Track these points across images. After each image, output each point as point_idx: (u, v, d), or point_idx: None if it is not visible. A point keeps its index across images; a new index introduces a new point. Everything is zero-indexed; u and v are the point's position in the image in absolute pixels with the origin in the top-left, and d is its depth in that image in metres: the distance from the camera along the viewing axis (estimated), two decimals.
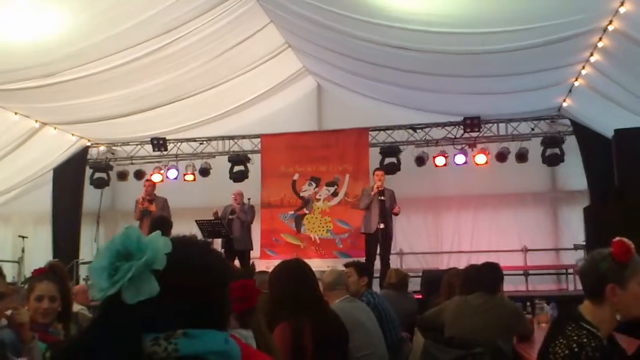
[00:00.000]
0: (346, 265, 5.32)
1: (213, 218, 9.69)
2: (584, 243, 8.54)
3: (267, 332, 2.70)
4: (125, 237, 1.26)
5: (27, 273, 10.12)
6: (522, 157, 10.82)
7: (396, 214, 9.44)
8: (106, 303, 1.24)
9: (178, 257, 1.28)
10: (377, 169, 9.97)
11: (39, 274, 3.45)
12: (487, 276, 4.72)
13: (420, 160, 11.16)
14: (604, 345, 2.28)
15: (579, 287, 2.53)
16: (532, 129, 10.97)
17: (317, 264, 10.63)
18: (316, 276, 3.74)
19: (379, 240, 9.25)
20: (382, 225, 9.17)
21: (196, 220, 9.25)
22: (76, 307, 4.80)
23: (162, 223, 5.91)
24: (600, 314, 2.37)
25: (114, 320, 1.23)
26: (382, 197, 9.30)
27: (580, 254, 9.55)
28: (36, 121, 10.34)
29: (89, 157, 12.47)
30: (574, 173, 10.83)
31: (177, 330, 1.22)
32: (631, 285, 2.35)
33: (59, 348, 1.57)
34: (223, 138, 12.13)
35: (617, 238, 2.39)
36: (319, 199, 11.40)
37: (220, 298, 1.35)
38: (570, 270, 10.48)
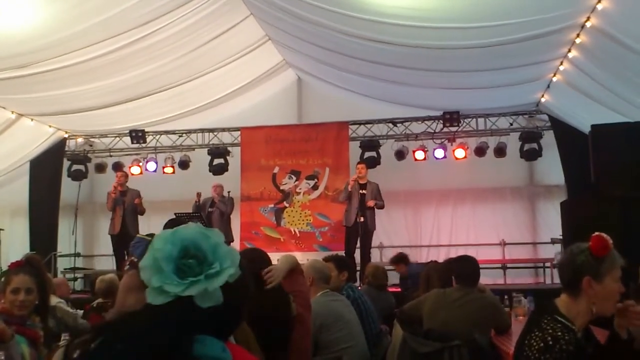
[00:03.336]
0: (325, 260, 5.24)
1: (192, 210, 9.75)
2: (561, 237, 8.63)
3: (247, 328, 2.67)
4: (203, 237, 1.26)
5: (4, 266, 10.00)
6: (500, 151, 10.91)
7: (379, 207, 9.46)
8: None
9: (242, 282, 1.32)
10: (358, 162, 10.04)
11: (16, 267, 3.42)
12: (465, 269, 4.75)
13: (400, 155, 11.22)
14: (577, 338, 2.31)
15: (556, 280, 2.57)
16: (511, 124, 11.08)
17: (297, 257, 10.66)
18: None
19: (359, 233, 9.29)
20: (361, 219, 9.21)
21: (175, 214, 9.22)
22: (54, 300, 4.76)
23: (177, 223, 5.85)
24: (576, 307, 2.41)
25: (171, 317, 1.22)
26: (363, 191, 9.34)
27: (558, 247, 9.66)
28: (12, 112, 10.18)
29: (66, 149, 12.34)
30: (551, 168, 10.95)
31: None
32: (607, 280, 2.39)
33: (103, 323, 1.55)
34: (203, 131, 12.07)
35: (596, 233, 2.42)
36: (299, 192, 11.41)
37: (242, 311, 1.39)
38: (548, 264, 10.60)
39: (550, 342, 2.28)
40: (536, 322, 2.43)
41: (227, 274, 1.23)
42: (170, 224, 6.40)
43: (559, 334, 2.30)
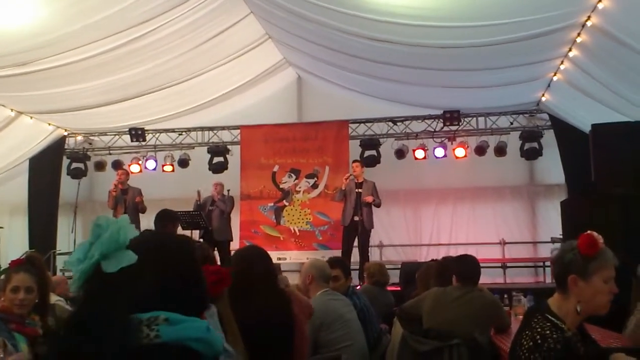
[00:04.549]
0: (331, 266, 4.90)
1: (193, 209, 9.74)
2: (561, 236, 8.63)
3: (231, 316, 2.66)
4: (94, 226, 1.33)
5: (3, 263, 9.99)
6: (500, 150, 10.91)
7: (376, 206, 9.46)
8: (90, 285, 1.28)
9: (155, 243, 1.38)
10: (353, 161, 10.04)
11: (16, 265, 3.41)
12: (466, 268, 4.74)
13: (400, 153, 11.21)
14: (567, 337, 2.30)
15: None
16: (511, 123, 11.07)
17: (296, 256, 10.68)
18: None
19: (357, 233, 9.28)
20: (357, 218, 9.21)
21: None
22: (53, 299, 4.74)
23: (168, 216, 5.87)
24: (566, 305, 2.41)
25: (103, 300, 1.26)
26: (359, 190, 9.34)
27: (557, 247, 9.66)
28: (12, 110, 10.16)
29: (66, 147, 12.32)
30: (551, 167, 10.96)
31: (159, 316, 1.22)
32: (594, 279, 2.37)
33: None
34: (202, 129, 12.06)
35: (588, 232, 2.41)
36: (299, 191, 11.40)
37: (194, 278, 1.40)
38: (548, 263, 10.60)
39: (539, 341, 2.29)
40: (528, 322, 2.43)
41: (106, 236, 1.29)
42: (160, 216, 6.40)
43: (548, 332, 2.31)
